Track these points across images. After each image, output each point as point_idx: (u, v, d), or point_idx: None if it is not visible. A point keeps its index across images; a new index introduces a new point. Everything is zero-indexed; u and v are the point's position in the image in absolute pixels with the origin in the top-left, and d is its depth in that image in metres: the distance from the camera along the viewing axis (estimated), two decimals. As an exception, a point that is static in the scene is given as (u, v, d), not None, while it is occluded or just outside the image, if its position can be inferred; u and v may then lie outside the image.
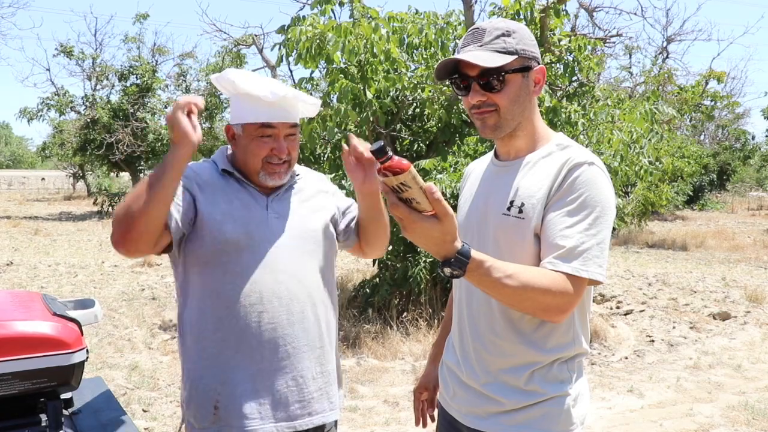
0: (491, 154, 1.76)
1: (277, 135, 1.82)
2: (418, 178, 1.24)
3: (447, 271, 1.35)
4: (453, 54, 1.57)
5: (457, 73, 1.57)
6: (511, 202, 1.55)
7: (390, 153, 1.22)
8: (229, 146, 1.95)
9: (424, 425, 2.00)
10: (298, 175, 1.98)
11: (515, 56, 1.51)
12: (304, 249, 1.88)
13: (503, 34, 1.52)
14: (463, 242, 1.35)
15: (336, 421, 2.02)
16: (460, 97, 1.61)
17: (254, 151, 1.82)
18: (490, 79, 1.52)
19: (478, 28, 1.56)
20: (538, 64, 1.58)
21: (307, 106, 1.94)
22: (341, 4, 6.14)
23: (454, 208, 1.40)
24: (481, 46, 1.53)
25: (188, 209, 1.77)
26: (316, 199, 1.98)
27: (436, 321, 6.11)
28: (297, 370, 1.84)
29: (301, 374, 1.85)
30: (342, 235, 2.03)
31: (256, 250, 1.80)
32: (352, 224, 2.04)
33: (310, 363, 1.87)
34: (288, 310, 1.81)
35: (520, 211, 1.53)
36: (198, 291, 1.81)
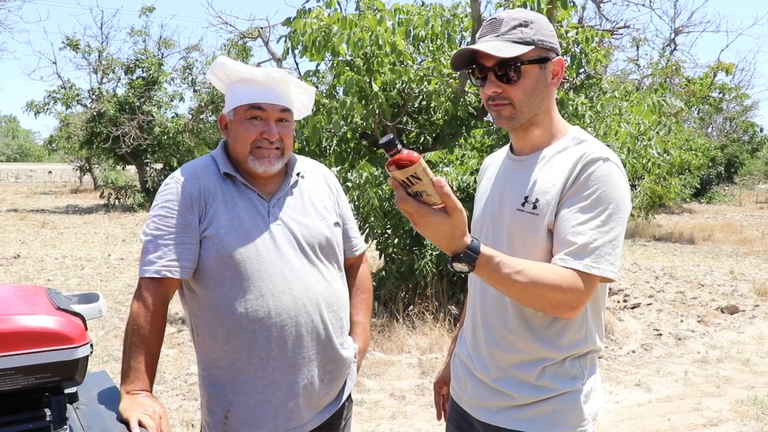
0: (506, 148, 1.74)
1: (267, 118, 1.78)
2: (429, 170, 1.24)
3: (456, 266, 1.33)
4: (459, 46, 1.55)
5: (474, 63, 1.55)
6: (526, 198, 1.54)
7: (399, 146, 1.21)
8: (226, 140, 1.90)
9: (446, 419, 1.96)
10: (299, 174, 1.93)
11: (532, 47, 1.49)
12: (309, 256, 1.83)
13: (520, 25, 1.50)
14: (472, 237, 1.33)
15: (350, 395, 2.03)
16: (469, 89, 1.61)
17: (243, 135, 1.77)
18: (506, 69, 1.50)
19: (496, 19, 1.54)
20: (557, 55, 1.55)
21: (303, 98, 1.90)
22: (347, -4, 6.12)
23: (462, 201, 1.39)
24: (497, 36, 1.51)
25: (195, 249, 1.76)
26: (319, 198, 1.94)
27: (442, 314, 6.10)
28: (308, 378, 1.81)
29: (311, 381, 1.82)
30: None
31: (260, 261, 1.75)
32: (346, 247, 2.05)
33: (321, 369, 1.84)
34: (296, 322, 1.77)
35: (535, 207, 1.51)
36: (205, 304, 1.78)
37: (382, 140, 1.21)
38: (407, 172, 1.22)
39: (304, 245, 1.83)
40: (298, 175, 1.92)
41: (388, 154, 1.21)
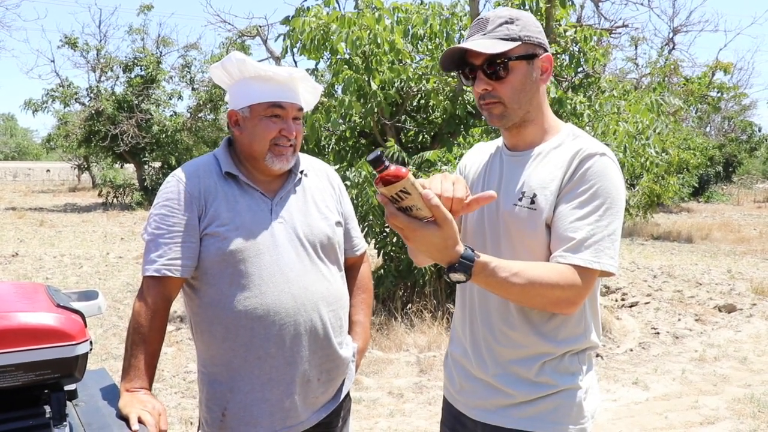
0: (496, 143, 1.74)
1: (285, 116, 1.80)
2: (417, 184, 1.24)
3: (453, 276, 1.34)
4: (453, 46, 1.55)
5: (463, 63, 1.56)
6: (523, 193, 1.54)
7: (387, 162, 1.21)
8: (230, 138, 1.91)
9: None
10: (303, 172, 1.93)
11: (519, 42, 1.50)
12: (310, 254, 1.84)
13: (506, 22, 1.52)
14: (465, 246, 1.34)
15: (348, 393, 2.03)
16: (467, 88, 1.61)
17: (262, 133, 1.78)
18: (494, 67, 1.51)
19: (482, 18, 1.56)
20: (545, 51, 1.56)
21: (308, 95, 1.92)
22: (345, -5, 6.13)
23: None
24: (484, 34, 1.53)
25: (196, 248, 1.77)
26: (322, 197, 1.94)
27: (440, 312, 6.11)
28: (305, 376, 1.82)
29: (308, 379, 1.83)
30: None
31: (261, 259, 1.76)
32: (347, 245, 2.04)
33: (318, 368, 1.85)
34: (295, 321, 1.78)
35: (532, 202, 1.52)
36: (205, 300, 1.79)
37: (369, 157, 1.20)
38: (396, 188, 1.22)
39: (306, 244, 1.83)
40: (301, 173, 1.93)
41: (375, 170, 1.21)
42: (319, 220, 1.89)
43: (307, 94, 1.92)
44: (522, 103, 1.55)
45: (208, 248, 1.75)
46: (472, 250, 1.34)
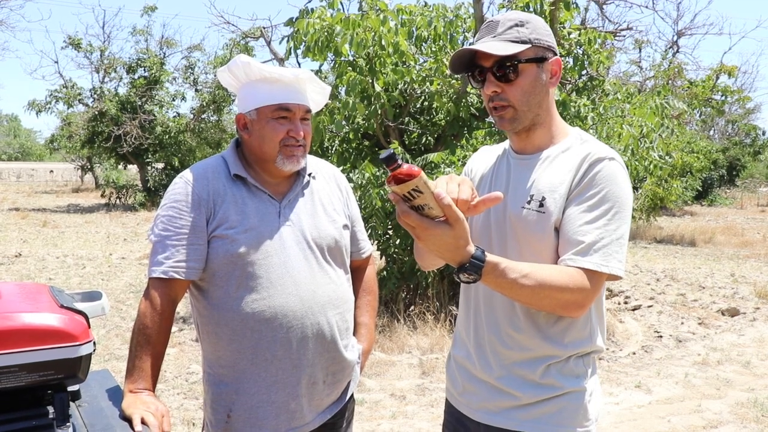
0: (503, 146, 1.73)
1: (293, 117, 1.80)
2: (430, 182, 1.24)
3: (463, 276, 1.34)
4: (462, 47, 1.56)
5: (473, 65, 1.56)
6: (531, 196, 1.54)
7: (400, 160, 1.21)
8: (238, 140, 1.91)
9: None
10: (311, 174, 1.93)
11: (529, 45, 1.50)
12: (317, 257, 1.84)
13: (516, 25, 1.52)
14: (476, 246, 1.33)
15: (352, 395, 2.03)
16: (477, 89, 1.59)
17: (270, 135, 1.78)
18: (504, 69, 1.51)
19: (492, 21, 1.56)
20: (554, 55, 1.57)
21: (316, 96, 1.92)
22: (349, -3, 6.13)
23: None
24: (494, 37, 1.53)
25: (203, 250, 1.76)
26: (329, 200, 1.94)
27: (443, 314, 6.10)
28: (311, 379, 1.82)
29: (314, 382, 1.83)
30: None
31: (269, 262, 1.76)
32: (353, 246, 2.04)
33: (324, 370, 1.85)
34: (302, 323, 1.78)
35: (541, 205, 1.52)
36: (212, 302, 1.78)
37: (383, 155, 1.20)
38: (408, 186, 1.21)
39: (313, 247, 1.83)
40: (309, 175, 1.93)
41: (388, 168, 1.21)
42: (327, 222, 1.89)
43: (315, 94, 1.92)
44: (531, 106, 1.54)
45: (217, 250, 1.75)
46: (483, 251, 1.34)
